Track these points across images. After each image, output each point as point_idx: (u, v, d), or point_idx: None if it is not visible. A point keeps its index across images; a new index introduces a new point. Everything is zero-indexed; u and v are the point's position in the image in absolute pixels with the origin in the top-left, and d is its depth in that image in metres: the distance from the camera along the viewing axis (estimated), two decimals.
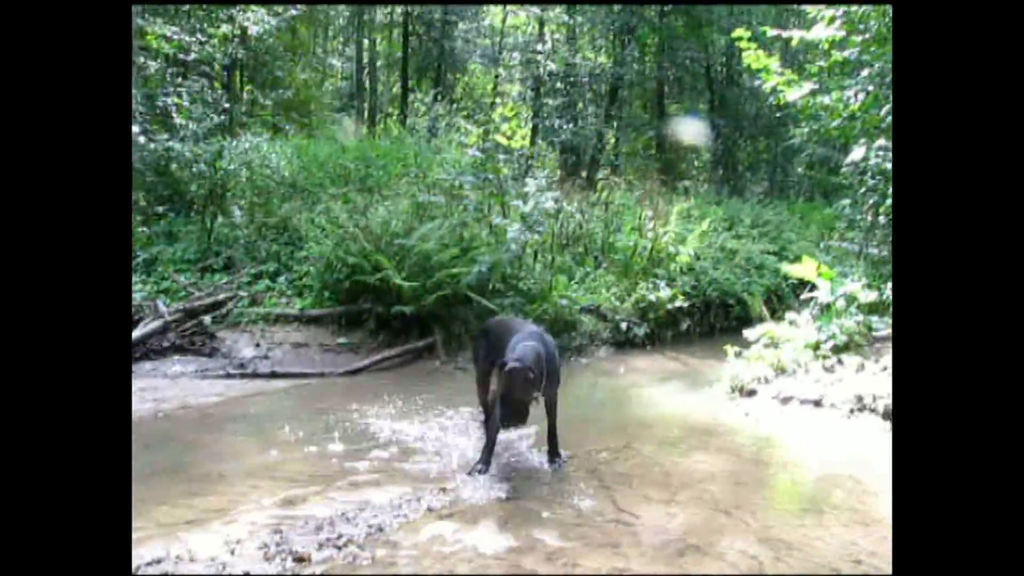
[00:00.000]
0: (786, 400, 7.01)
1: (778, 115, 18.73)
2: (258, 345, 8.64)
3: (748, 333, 8.07)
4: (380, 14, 26.68)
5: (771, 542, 4.17)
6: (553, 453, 5.37)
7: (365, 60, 26.30)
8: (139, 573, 3.70)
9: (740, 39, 9.42)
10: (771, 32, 9.33)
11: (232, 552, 3.92)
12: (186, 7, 13.61)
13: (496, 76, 23.74)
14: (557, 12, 23.76)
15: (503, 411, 4.81)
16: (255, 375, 7.98)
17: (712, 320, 11.56)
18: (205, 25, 14.87)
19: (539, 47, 21.90)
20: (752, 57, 9.35)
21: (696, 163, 24.71)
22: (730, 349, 7.86)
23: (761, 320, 9.29)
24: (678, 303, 10.63)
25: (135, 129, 11.18)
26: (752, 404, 7.16)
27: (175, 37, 12.37)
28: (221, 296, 9.46)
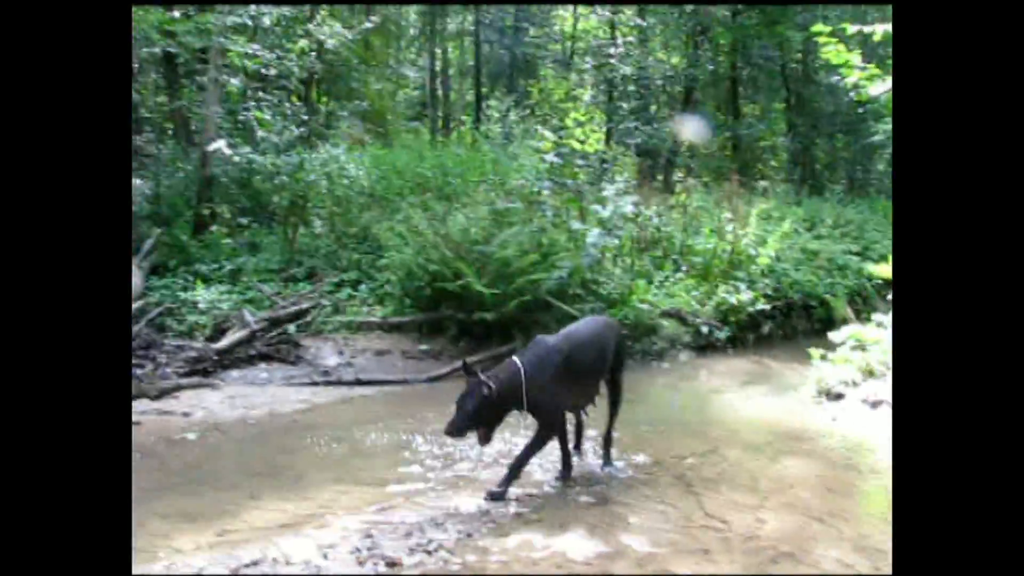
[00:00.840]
0: (875, 404, 6.85)
1: (859, 111, 18.28)
2: (341, 353, 8.80)
3: (833, 335, 7.91)
4: (452, 23, 26.95)
5: (868, 551, 4.08)
6: (509, 467, 4.99)
7: (437, 68, 26.57)
8: (239, 574, 3.80)
9: (819, 34, 9.23)
10: (851, 27, 9.12)
11: (325, 556, 4.00)
12: (266, 24, 13.91)
13: (568, 80, 23.74)
14: (629, 14, 23.64)
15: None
16: (339, 382, 8.12)
17: (794, 323, 11.35)
18: (283, 41, 15.23)
19: (611, 50, 21.80)
20: (832, 52, 9.15)
21: (772, 163, 24.30)
22: (815, 352, 7.72)
23: (845, 322, 9.08)
24: (759, 306, 10.47)
25: (222, 142, 11.51)
26: (840, 408, 7.03)
27: (257, 54, 12.67)
28: (304, 305, 9.65)
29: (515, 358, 4.96)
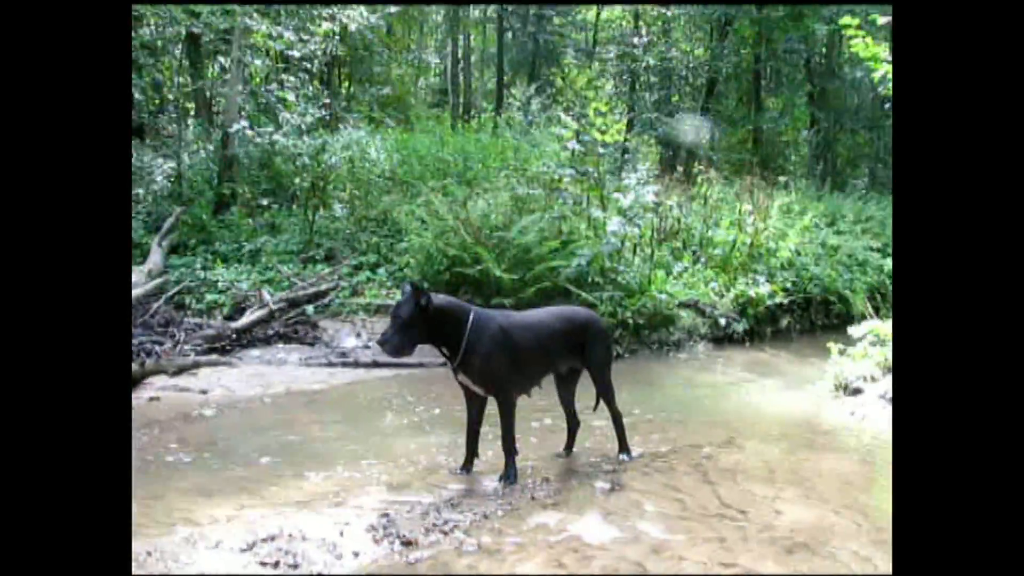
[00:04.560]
0: None
1: (885, 107, 18.12)
2: (359, 335, 8.83)
3: (853, 330, 7.83)
4: (475, 10, 26.89)
5: (885, 544, 4.02)
6: (504, 449, 4.93)
7: (459, 56, 26.53)
8: (256, 548, 3.82)
9: (847, 27, 9.13)
10: (882, 19, 9.02)
11: (341, 533, 4.02)
12: (291, 6, 13.92)
13: (589, 69, 23.65)
14: (652, 7, 23.57)
15: None
16: (357, 364, 8.13)
17: (813, 317, 11.28)
18: (308, 24, 15.24)
19: (635, 40, 21.71)
20: (859, 46, 9.05)
21: (793, 157, 24.14)
22: (834, 346, 7.66)
23: (864, 318, 8.99)
24: (778, 299, 10.41)
25: (244, 123, 11.53)
26: (858, 403, 6.96)
27: (284, 34, 12.68)
28: (323, 287, 9.69)
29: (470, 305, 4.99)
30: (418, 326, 4.65)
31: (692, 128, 19.68)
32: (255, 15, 12.37)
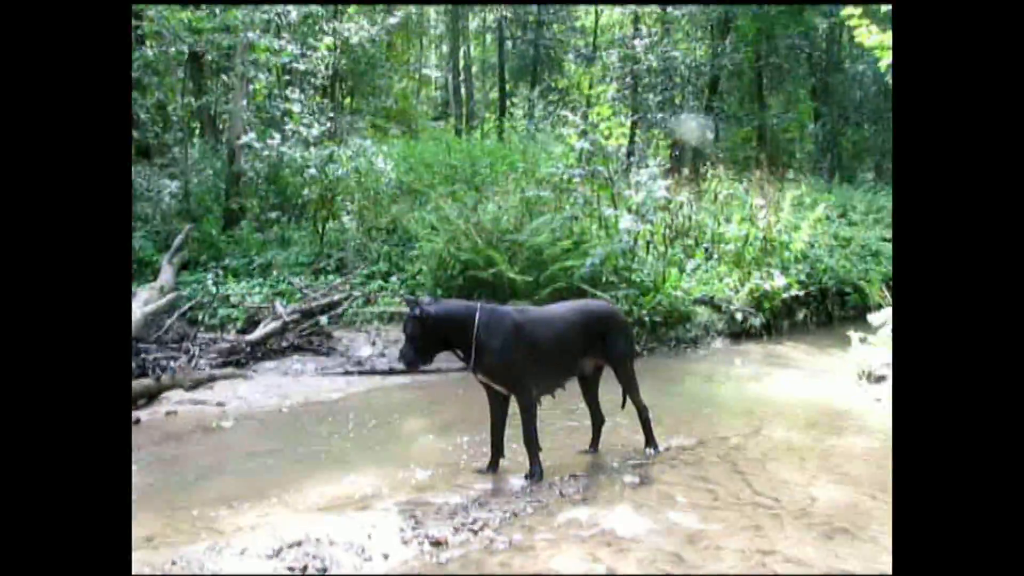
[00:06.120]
0: None
1: (888, 99, 18.03)
2: (374, 343, 8.76)
3: (872, 318, 7.77)
4: (474, 20, 26.91)
5: None
6: (526, 447, 4.90)
7: (460, 66, 26.53)
8: (282, 554, 3.74)
9: (850, 16, 9.04)
10: (887, 7, 8.93)
11: (369, 536, 3.94)
12: (292, 19, 13.91)
13: (591, 75, 23.60)
14: (652, 7, 23.49)
15: None
16: (373, 372, 8.07)
17: (829, 309, 11.19)
18: (309, 38, 15.24)
19: (636, 42, 21.65)
20: (864, 34, 8.96)
21: (799, 153, 24.01)
22: (854, 335, 7.59)
23: (880, 307, 8.91)
24: (793, 292, 10.31)
25: (251, 136, 11.51)
26: (882, 389, 6.88)
27: (287, 47, 12.65)
28: (336, 297, 9.63)
29: (478, 303, 4.93)
30: (423, 337, 4.71)
31: (696, 127, 19.64)
32: (257, 31, 12.35)
